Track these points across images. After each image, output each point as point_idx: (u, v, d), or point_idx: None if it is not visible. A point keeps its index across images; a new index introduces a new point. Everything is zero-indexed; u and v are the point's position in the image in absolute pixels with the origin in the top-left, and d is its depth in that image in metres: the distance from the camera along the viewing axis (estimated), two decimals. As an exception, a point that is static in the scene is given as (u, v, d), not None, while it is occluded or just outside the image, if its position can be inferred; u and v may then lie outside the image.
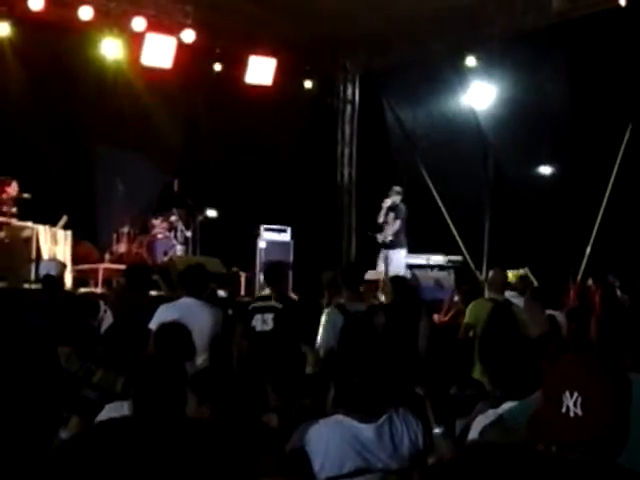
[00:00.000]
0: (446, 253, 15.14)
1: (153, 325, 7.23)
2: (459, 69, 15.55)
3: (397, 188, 14.65)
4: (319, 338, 7.56)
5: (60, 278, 8.66)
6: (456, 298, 10.94)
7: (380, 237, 14.62)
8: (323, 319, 7.66)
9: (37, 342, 6.75)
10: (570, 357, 2.66)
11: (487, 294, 9.16)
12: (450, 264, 14.93)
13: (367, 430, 4.32)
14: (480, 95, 15.70)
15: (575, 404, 2.43)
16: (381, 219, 14.60)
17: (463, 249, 15.75)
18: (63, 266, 9.26)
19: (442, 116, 16.09)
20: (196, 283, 7.76)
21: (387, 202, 14.58)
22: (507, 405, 4.14)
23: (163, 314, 7.26)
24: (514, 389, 4.22)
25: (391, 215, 14.51)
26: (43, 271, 8.49)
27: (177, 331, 5.89)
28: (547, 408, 2.52)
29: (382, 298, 9.50)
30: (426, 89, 15.91)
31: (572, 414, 2.43)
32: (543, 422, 2.53)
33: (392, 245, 14.46)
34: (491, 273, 9.36)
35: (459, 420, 5.00)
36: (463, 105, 16.05)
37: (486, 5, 14.12)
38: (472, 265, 15.38)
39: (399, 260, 14.29)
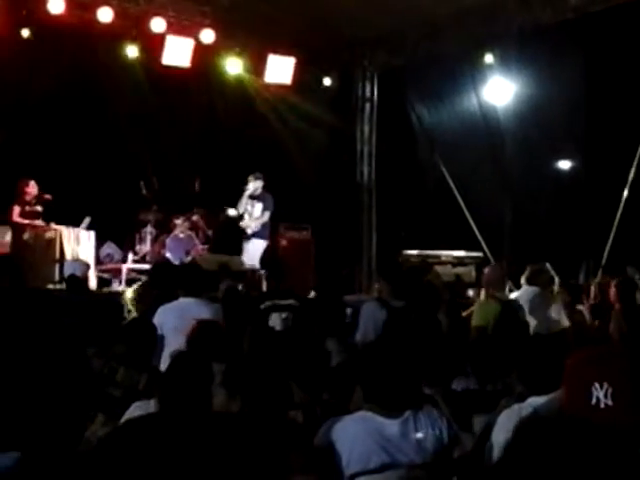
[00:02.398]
0: (467, 249, 15.18)
1: None
2: (477, 66, 15.56)
3: (257, 174, 13.78)
4: (358, 331, 7.61)
5: (84, 278, 8.73)
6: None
7: (248, 230, 13.69)
8: (362, 312, 7.71)
9: (68, 341, 6.81)
10: (596, 350, 2.69)
11: (487, 293, 9.06)
12: (471, 260, 14.95)
13: (392, 425, 4.34)
14: (498, 91, 15.69)
15: (606, 395, 2.47)
16: (242, 208, 13.68)
17: (483, 245, 15.75)
18: (87, 266, 9.32)
19: (461, 113, 16.12)
20: (192, 282, 7.90)
21: (249, 189, 13.65)
22: (532, 400, 4.22)
23: (162, 315, 7.42)
24: (535, 384, 4.32)
25: (256, 205, 13.67)
26: (67, 271, 8.55)
27: (213, 330, 5.93)
28: (575, 402, 2.54)
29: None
30: (445, 86, 15.96)
31: (602, 405, 2.47)
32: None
33: (254, 235, 13.69)
34: (488, 270, 9.28)
35: (483, 415, 5.01)
36: (482, 102, 16.05)
37: (504, 1, 14.11)
38: (492, 261, 15.37)
39: (256, 251, 13.54)
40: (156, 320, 7.31)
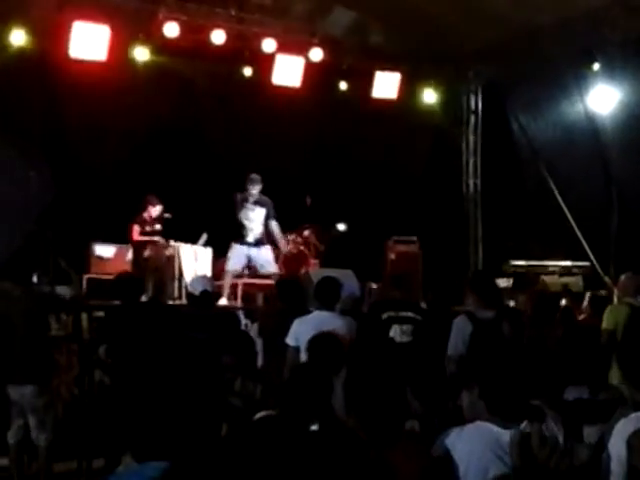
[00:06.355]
0: (573, 259, 15.18)
1: (290, 339, 7.64)
2: (582, 74, 15.52)
3: (256, 177, 13.02)
4: (449, 345, 7.77)
5: (214, 293, 8.98)
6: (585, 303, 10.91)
7: (250, 236, 13.04)
8: (453, 327, 7.85)
9: (201, 354, 7.11)
10: None
11: (619, 298, 9.16)
12: (578, 270, 14.96)
13: (509, 435, 4.31)
14: (603, 99, 15.60)
15: None
16: (242, 215, 13.02)
17: (590, 254, 15.70)
18: (213, 282, 9.59)
19: (565, 122, 16.04)
20: (328, 296, 8.07)
21: (252, 195, 13.00)
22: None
23: (298, 328, 7.61)
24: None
25: (257, 209, 13.04)
26: (198, 287, 8.82)
27: (331, 342, 6.19)
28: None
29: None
30: (548, 96, 15.92)
31: None
32: None
33: (261, 243, 13.19)
34: (623, 278, 9.39)
35: (597, 426, 5.06)
36: (586, 110, 15.98)
37: (609, 8, 14.03)
38: (600, 270, 15.34)
39: (270, 258, 13.31)
40: (292, 333, 7.58)
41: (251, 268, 13.41)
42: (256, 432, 4.53)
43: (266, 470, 4.17)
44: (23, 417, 8.26)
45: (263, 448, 4.28)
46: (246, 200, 13.04)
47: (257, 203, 13.09)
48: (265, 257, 13.20)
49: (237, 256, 13.10)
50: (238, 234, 13.13)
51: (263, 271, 13.19)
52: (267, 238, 13.34)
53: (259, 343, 8.36)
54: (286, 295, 8.64)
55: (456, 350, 7.57)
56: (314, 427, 4.33)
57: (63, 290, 9.30)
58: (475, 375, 4.77)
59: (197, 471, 3.65)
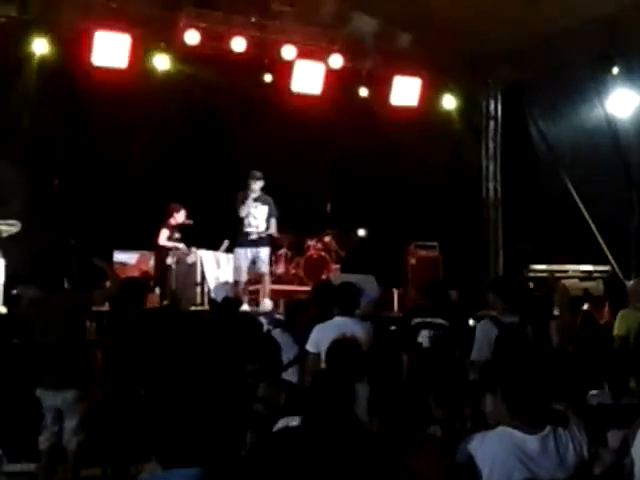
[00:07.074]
0: (594, 263, 15.16)
1: (310, 346, 7.64)
2: (601, 78, 15.50)
3: (257, 173, 12.80)
4: (473, 350, 7.79)
5: (236, 299, 9.10)
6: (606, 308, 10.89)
7: (254, 234, 12.88)
8: (477, 331, 7.84)
9: (223, 359, 7.17)
10: None
11: (632, 304, 9.16)
12: (598, 274, 14.94)
13: (532, 441, 4.36)
14: (623, 103, 15.58)
15: None
16: (245, 212, 12.81)
17: (611, 259, 15.68)
18: (233, 287, 9.72)
19: (585, 126, 16.00)
20: (348, 301, 8.04)
21: (254, 192, 12.77)
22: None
23: (318, 334, 7.60)
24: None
25: (260, 207, 12.88)
26: (220, 294, 8.90)
27: (351, 348, 6.19)
28: None
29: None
30: (568, 100, 15.91)
31: None
32: None
33: (263, 242, 13.00)
34: (633, 283, 9.39)
35: (618, 430, 5.08)
36: (606, 114, 15.95)
37: (626, 11, 14.02)
38: (620, 274, 15.32)
39: (267, 259, 13.14)
40: (312, 339, 7.59)
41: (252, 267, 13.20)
42: (281, 441, 4.55)
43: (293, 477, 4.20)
44: (59, 423, 8.20)
45: (289, 456, 4.30)
46: (248, 197, 12.85)
47: (259, 200, 12.93)
48: (262, 257, 13.04)
49: (242, 264, 12.94)
50: (241, 233, 13.02)
51: (256, 269, 13.01)
52: (269, 237, 13.20)
53: (295, 349, 8.38)
54: (323, 300, 8.67)
55: (480, 354, 7.58)
56: (294, 423, 4.35)
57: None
58: (499, 379, 4.73)
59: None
